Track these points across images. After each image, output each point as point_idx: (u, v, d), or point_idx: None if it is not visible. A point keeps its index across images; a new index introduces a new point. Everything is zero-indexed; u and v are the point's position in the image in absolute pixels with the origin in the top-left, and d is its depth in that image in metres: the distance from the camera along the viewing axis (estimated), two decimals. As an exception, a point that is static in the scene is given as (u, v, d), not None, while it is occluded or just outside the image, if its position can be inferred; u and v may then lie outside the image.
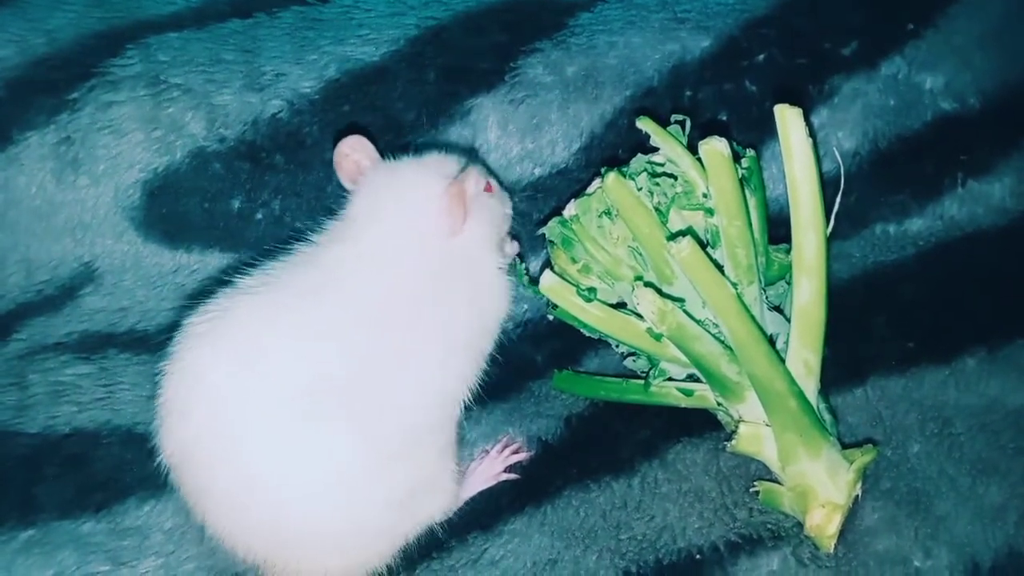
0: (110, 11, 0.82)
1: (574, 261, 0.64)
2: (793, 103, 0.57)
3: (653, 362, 0.65)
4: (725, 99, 0.82)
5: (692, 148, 0.61)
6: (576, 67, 0.80)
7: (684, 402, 0.64)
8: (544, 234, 0.65)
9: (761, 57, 0.82)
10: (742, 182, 0.60)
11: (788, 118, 0.57)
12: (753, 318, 0.57)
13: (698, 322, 0.59)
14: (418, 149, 0.63)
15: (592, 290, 0.62)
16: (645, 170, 0.61)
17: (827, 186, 0.58)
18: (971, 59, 0.84)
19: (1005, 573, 0.57)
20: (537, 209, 0.79)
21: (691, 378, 0.64)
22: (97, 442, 0.66)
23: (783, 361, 0.59)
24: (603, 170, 0.60)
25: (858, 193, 0.81)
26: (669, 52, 0.81)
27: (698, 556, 0.59)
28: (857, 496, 0.59)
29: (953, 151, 0.84)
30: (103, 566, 0.58)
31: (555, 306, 0.64)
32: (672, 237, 0.58)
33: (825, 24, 0.83)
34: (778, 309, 0.64)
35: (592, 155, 0.81)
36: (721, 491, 0.62)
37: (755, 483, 0.61)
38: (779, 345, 0.62)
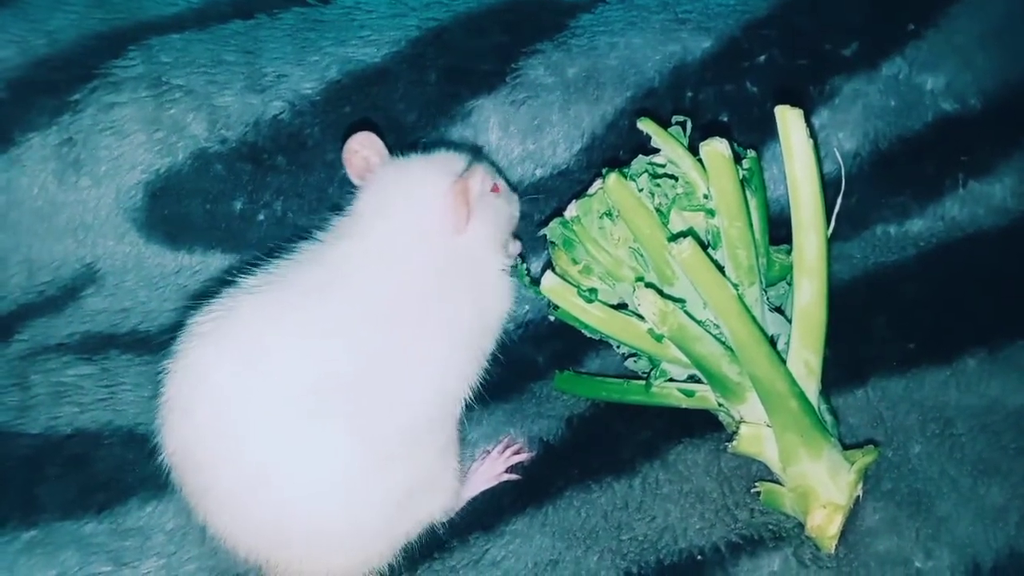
0: (111, 12, 0.83)
1: (575, 262, 0.64)
2: (794, 104, 0.57)
3: (654, 363, 0.65)
4: (726, 100, 0.82)
5: (693, 149, 0.61)
6: (577, 68, 0.80)
7: (685, 403, 0.64)
8: (545, 235, 0.65)
9: (762, 58, 0.82)
10: (743, 183, 0.60)
11: (789, 119, 0.57)
12: (754, 319, 0.57)
13: (699, 323, 0.59)
14: (427, 147, 0.63)
15: (593, 291, 0.62)
16: (646, 171, 0.61)
17: (828, 187, 0.58)
18: (972, 59, 0.84)
19: (1006, 574, 0.57)
20: (538, 210, 0.79)
21: (692, 379, 0.64)
22: (99, 443, 0.66)
23: (784, 362, 0.59)
24: (604, 171, 0.60)
25: (859, 194, 0.81)
26: (670, 53, 0.81)
27: (699, 557, 0.59)
28: (858, 497, 0.59)
29: (954, 152, 0.84)
30: (105, 567, 0.58)
31: (556, 307, 0.64)
32: (673, 238, 0.58)
33: (826, 25, 0.83)
34: (779, 310, 0.64)
35: (593, 156, 0.81)
36: (722, 492, 0.62)
37: (756, 484, 0.61)
38: (780, 346, 0.62)
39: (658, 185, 0.60)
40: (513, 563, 0.59)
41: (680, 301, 0.60)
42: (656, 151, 0.62)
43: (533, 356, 0.73)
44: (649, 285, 0.60)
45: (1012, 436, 0.65)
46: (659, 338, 0.61)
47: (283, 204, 0.80)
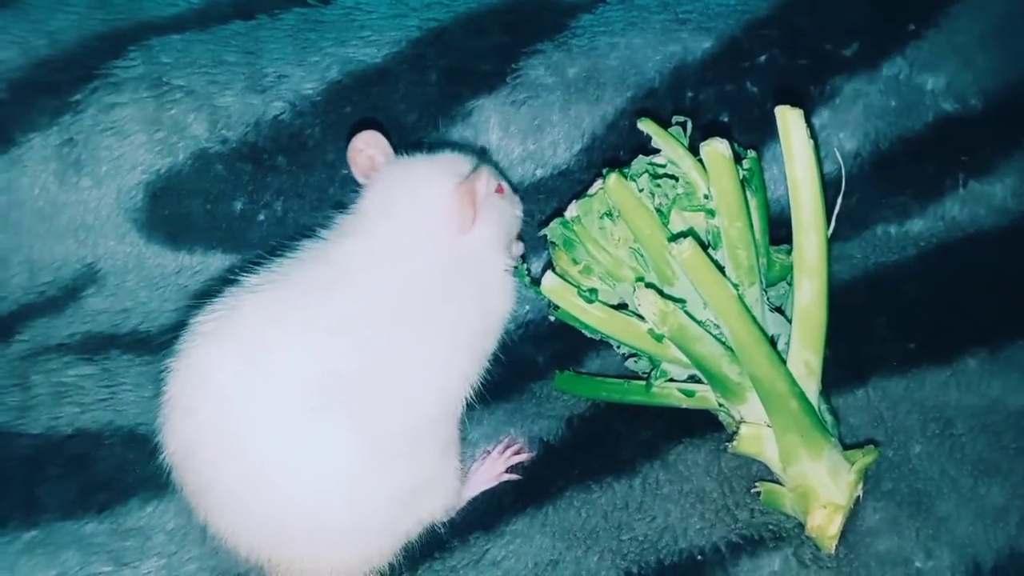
0: (112, 13, 0.83)
1: (575, 262, 0.64)
2: (794, 104, 0.57)
3: (654, 363, 0.65)
4: (726, 100, 0.82)
5: (693, 149, 0.61)
6: (577, 68, 0.81)
7: (685, 403, 0.64)
8: (546, 235, 0.65)
9: (762, 58, 0.82)
10: (743, 183, 0.60)
11: (789, 119, 0.57)
12: (754, 319, 0.57)
13: (699, 323, 0.59)
14: (432, 148, 0.63)
15: (593, 291, 0.62)
16: (646, 171, 0.61)
17: (828, 187, 0.58)
18: (972, 59, 0.84)
19: (1007, 574, 0.57)
20: (539, 210, 0.79)
21: (692, 379, 0.64)
22: (99, 443, 0.66)
23: (784, 362, 0.59)
24: (604, 171, 0.60)
25: (859, 194, 0.81)
26: (670, 53, 0.81)
27: (699, 557, 0.59)
28: (858, 497, 0.59)
29: (954, 152, 0.84)
30: (105, 567, 0.58)
31: (557, 307, 0.64)
32: (673, 238, 0.58)
33: (826, 25, 0.83)
34: (779, 310, 0.64)
35: (593, 156, 0.81)
36: (722, 492, 0.62)
37: (756, 484, 0.61)
38: (780, 346, 0.62)
39: (658, 185, 0.60)
40: (513, 563, 0.59)
41: (680, 301, 0.60)
42: (656, 151, 0.62)
43: (533, 356, 0.73)
44: (649, 285, 0.60)
45: (1012, 436, 0.65)
46: (659, 338, 0.61)
47: (283, 204, 0.81)
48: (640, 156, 0.63)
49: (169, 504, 0.61)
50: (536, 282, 0.63)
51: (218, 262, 0.80)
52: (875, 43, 0.83)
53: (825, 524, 0.57)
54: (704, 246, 0.58)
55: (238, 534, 0.54)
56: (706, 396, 0.63)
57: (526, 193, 0.80)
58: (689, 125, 0.64)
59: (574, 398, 0.70)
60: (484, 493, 0.63)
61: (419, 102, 0.80)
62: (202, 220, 0.80)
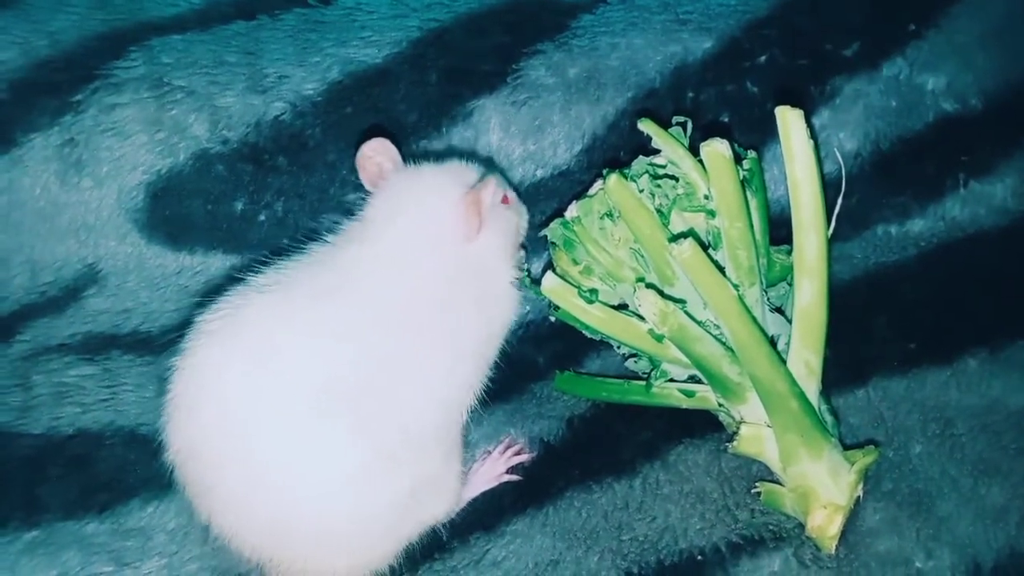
0: (113, 13, 0.83)
1: (576, 263, 0.64)
2: (794, 104, 0.57)
3: (654, 363, 0.65)
4: (727, 100, 0.82)
5: (694, 150, 0.61)
6: (578, 69, 0.81)
7: (685, 403, 0.64)
8: (546, 236, 0.65)
9: (763, 58, 0.82)
10: (743, 184, 0.60)
11: (789, 119, 0.57)
12: (754, 319, 0.57)
13: (699, 323, 0.59)
14: (439, 156, 0.63)
15: (594, 291, 0.62)
16: (647, 172, 0.61)
17: (828, 187, 0.58)
18: (973, 59, 0.84)
19: (1007, 574, 0.57)
20: (539, 211, 0.79)
21: (692, 379, 0.64)
22: (101, 443, 0.66)
23: (784, 362, 0.59)
24: (605, 172, 0.60)
25: (859, 194, 0.81)
26: (671, 53, 0.81)
27: (700, 557, 0.59)
28: (859, 497, 0.59)
29: (955, 152, 0.84)
30: (106, 567, 0.58)
31: (557, 307, 0.64)
32: (673, 239, 0.58)
33: (827, 25, 0.83)
34: (779, 310, 0.64)
35: (594, 157, 0.81)
36: (723, 492, 0.62)
37: (757, 484, 0.61)
38: (780, 346, 0.62)
39: (659, 186, 0.60)
40: (514, 563, 0.59)
41: (680, 302, 0.60)
42: (657, 152, 0.62)
43: (533, 356, 0.73)
44: (650, 286, 0.60)
45: (1013, 436, 0.65)
46: (659, 338, 0.61)
47: (284, 205, 0.81)
48: (640, 156, 0.63)
49: (170, 504, 0.62)
50: (536, 282, 0.63)
51: (219, 262, 0.80)
52: (875, 43, 0.83)
53: (825, 524, 0.57)
54: (704, 246, 0.58)
55: (241, 535, 0.54)
56: (706, 396, 0.63)
57: (526, 193, 0.80)
58: (689, 125, 0.64)
59: (574, 398, 0.70)
60: (484, 493, 0.63)
61: (420, 102, 0.80)
62: (203, 220, 0.80)
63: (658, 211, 0.60)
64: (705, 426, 0.66)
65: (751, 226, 0.60)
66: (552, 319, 0.69)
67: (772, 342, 0.59)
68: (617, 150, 0.80)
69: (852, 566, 0.57)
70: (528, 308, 0.76)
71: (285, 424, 0.51)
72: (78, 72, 0.80)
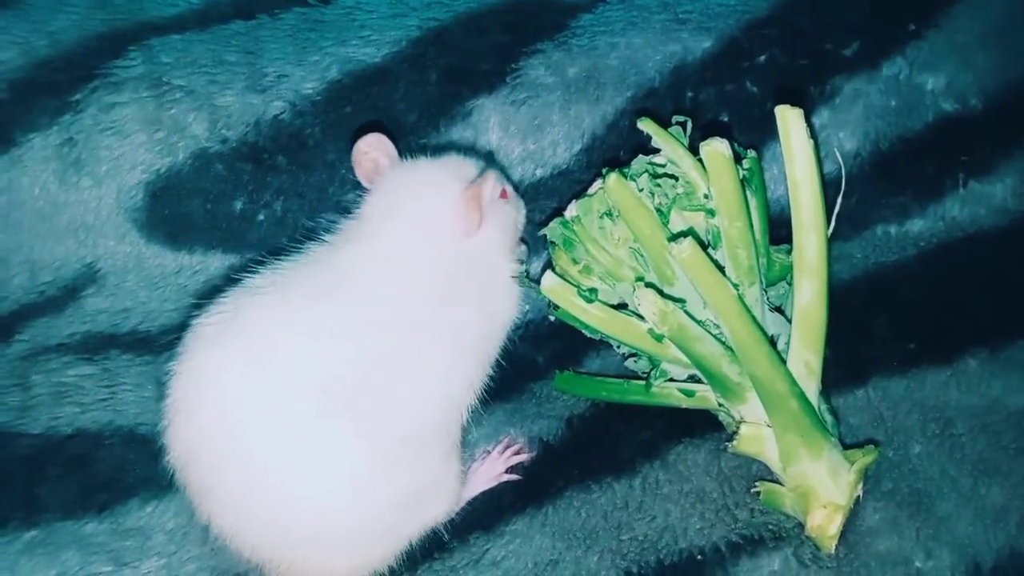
0: (113, 13, 0.83)
1: (575, 262, 0.64)
2: (794, 104, 0.57)
3: (654, 363, 0.65)
4: (726, 100, 0.82)
5: (693, 149, 0.61)
6: (578, 68, 0.81)
7: (685, 403, 0.64)
8: (545, 235, 0.65)
9: (762, 58, 0.82)
10: (743, 183, 0.60)
11: (789, 119, 0.57)
12: (754, 319, 0.57)
13: (699, 323, 0.59)
14: (436, 151, 0.63)
15: (593, 291, 0.62)
16: (646, 171, 0.61)
17: (828, 187, 0.58)
18: (973, 59, 0.84)
19: (1007, 574, 0.57)
20: (538, 210, 0.79)
21: (692, 379, 0.64)
22: (100, 443, 0.66)
23: (784, 362, 0.59)
24: (604, 171, 0.60)
25: (859, 194, 0.81)
26: (670, 53, 0.81)
27: (699, 557, 0.59)
28: (858, 497, 0.59)
29: (954, 152, 0.84)
30: (105, 567, 0.58)
31: (556, 307, 0.64)
32: (673, 238, 0.58)
33: (826, 25, 0.83)
34: (779, 310, 0.64)
35: (593, 156, 0.81)
36: (722, 492, 0.62)
37: (756, 484, 0.61)
38: (780, 346, 0.62)
39: (658, 185, 0.60)
40: (513, 563, 0.59)
41: (680, 301, 0.60)
42: (656, 151, 0.62)
43: (533, 356, 0.73)
44: (649, 285, 0.60)
45: (1013, 436, 0.65)
46: (659, 338, 0.61)
47: (283, 204, 0.81)
48: (640, 156, 0.63)
49: (169, 504, 0.62)
50: (536, 282, 0.63)
51: (218, 262, 0.80)
52: (875, 43, 0.83)
53: (825, 524, 0.57)
54: (704, 246, 0.58)
55: (241, 536, 0.54)
56: (706, 396, 0.63)
57: (526, 193, 0.80)
58: (689, 125, 0.64)
59: (574, 398, 0.70)
60: (484, 493, 0.63)
61: (419, 102, 0.80)
62: (202, 220, 0.80)
63: (658, 210, 0.60)
64: (705, 426, 0.66)
65: (751, 225, 0.60)
66: (551, 318, 0.69)
67: (772, 342, 0.59)
68: (617, 149, 0.80)
69: (852, 566, 0.57)
70: (528, 307, 0.76)
71: (284, 425, 0.51)
72: (77, 72, 0.79)
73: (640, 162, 0.62)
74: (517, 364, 0.68)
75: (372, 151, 0.61)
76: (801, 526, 0.59)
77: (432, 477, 0.57)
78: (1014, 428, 0.65)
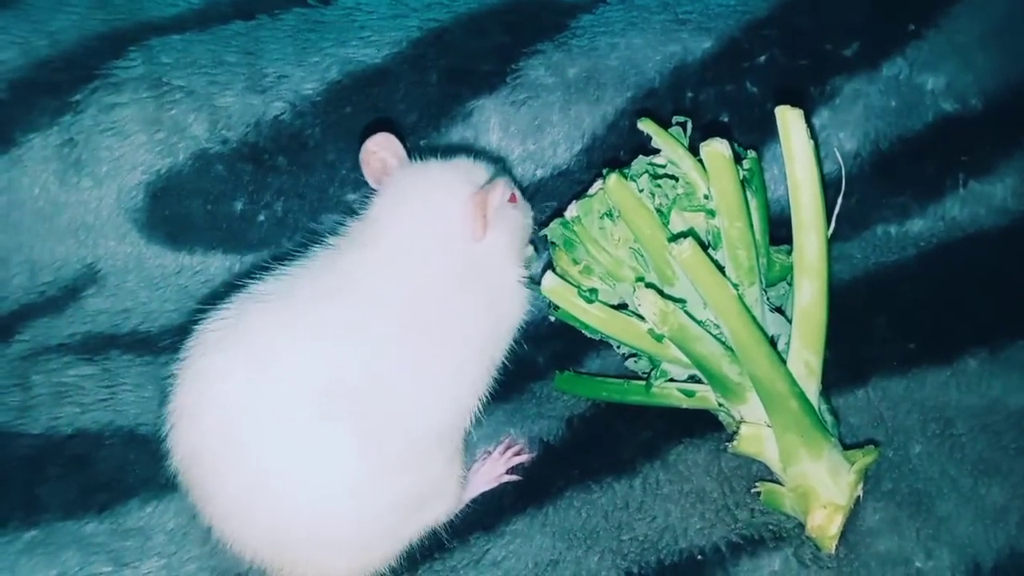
0: (113, 13, 0.83)
1: (575, 262, 0.64)
2: (794, 104, 0.57)
3: (654, 363, 0.65)
4: (726, 100, 0.82)
5: (693, 149, 0.61)
6: (578, 68, 0.81)
7: (685, 403, 0.64)
8: (546, 235, 0.65)
9: (762, 58, 0.82)
10: (743, 183, 0.60)
11: (789, 119, 0.57)
12: (754, 319, 0.57)
13: (699, 323, 0.59)
14: (446, 152, 0.63)
15: (593, 291, 0.62)
16: (646, 171, 0.61)
17: (828, 187, 0.58)
18: (973, 59, 0.84)
19: (1007, 574, 0.57)
20: (538, 210, 0.79)
21: (692, 379, 0.64)
22: (100, 443, 0.66)
23: (784, 362, 0.59)
24: (604, 171, 0.60)
25: (859, 194, 0.81)
26: (670, 53, 0.81)
27: (700, 557, 0.59)
28: (858, 497, 0.59)
29: (954, 152, 0.84)
30: (106, 567, 0.58)
31: (557, 307, 0.64)
32: (673, 238, 0.58)
33: (826, 25, 0.83)
34: (779, 310, 0.64)
35: (593, 156, 0.81)
36: (723, 492, 0.62)
37: (756, 484, 0.61)
38: (780, 346, 0.62)
39: (658, 185, 0.60)
40: (513, 563, 0.59)
41: (680, 301, 0.60)
42: (656, 151, 0.62)
43: (533, 356, 0.73)
44: (649, 285, 0.60)
45: (1013, 436, 0.65)
46: (659, 338, 0.61)
47: (284, 205, 0.81)
48: (640, 156, 0.63)
49: (169, 504, 0.62)
50: (536, 282, 0.63)
51: (218, 262, 0.80)
52: (875, 43, 0.83)
53: (825, 524, 0.57)
54: (704, 246, 0.58)
55: (244, 539, 0.54)
56: (706, 396, 0.63)
57: (526, 193, 0.79)
58: (689, 125, 0.64)
59: (574, 398, 0.70)
60: (484, 493, 0.63)
61: (419, 102, 0.80)
62: (202, 220, 0.80)
63: (658, 211, 0.60)
64: (705, 426, 0.66)
65: (751, 226, 0.60)
66: (552, 319, 0.69)
67: (772, 342, 0.59)
68: (617, 150, 0.80)
69: (852, 566, 0.57)
70: (528, 308, 0.76)
71: (287, 429, 0.51)
72: (77, 72, 0.80)
73: (640, 163, 0.62)
74: (517, 364, 0.68)
75: (380, 151, 0.60)
76: (801, 526, 0.59)
77: (435, 480, 0.57)
78: (1014, 428, 0.65)
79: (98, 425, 0.67)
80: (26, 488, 0.63)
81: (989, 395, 0.68)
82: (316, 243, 0.58)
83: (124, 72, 0.79)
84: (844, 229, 0.80)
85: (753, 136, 0.80)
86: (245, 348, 0.53)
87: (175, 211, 0.80)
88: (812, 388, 0.60)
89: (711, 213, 0.60)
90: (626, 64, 0.81)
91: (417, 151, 0.62)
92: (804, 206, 0.58)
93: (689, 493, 0.62)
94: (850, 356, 0.69)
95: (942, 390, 0.68)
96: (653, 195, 0.60)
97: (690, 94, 0.81)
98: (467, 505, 0.62)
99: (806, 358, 0.60)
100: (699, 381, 0.64)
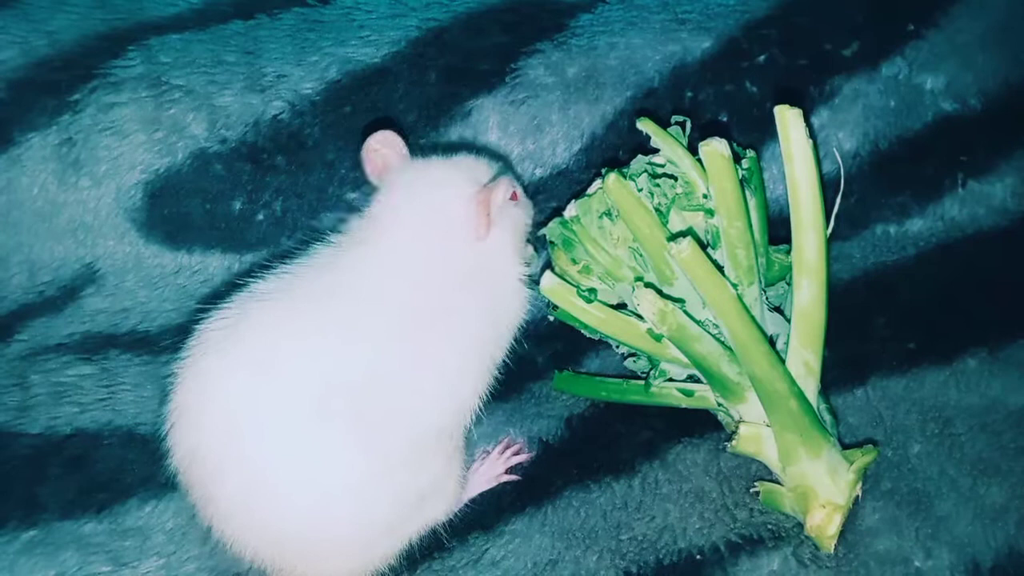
0: (112, 12, 0.83)
1: (575, 262, 0.64)
2: (793, 104, 0.57)
3: (653, 363, 0.65)
4: (726, 100, 0.82)
5: (692, 149, 0.61)
6: (577, 68, 0.81)
7: (684, 403, 0.64)
8: (545, 235, 0.65)
9: (762, 58, 0.82)
10: (742, 183, 0.60)
11: (788, 119, 0.57)
12: (753, 319, 0.57)
13: (698, 323, 0.59)
14: (447, 150, 0.63)
15: (592, 291, 0.62)
16: (645, 171, 0.61)
17: (827, 187, 0.58)
18: (972, 59, 0.84)
19: (1006, 573, 0.57)
20: (538, 210, 0.79)
21: (691, 379, 0.64)
22: (99, 443, 0.66)
23: (783, 362, 0.59)
24: (604, 171, 0.60)
25: (858, 194, 0.82)
26: (670, 53, 0.81)
27: (699, 556, 0.59)
28: (857, 496, 0.59)
29: (954, 152, 0.84)
30: (104, 567, 0.58)
31: (556, 307, 0.64)
32: (672, 238, 0.58)
33: (826, 25, 0.83)
34: (778, 310, 0.64)
35: (593, 156, 0.81)
36: (722, 492, 0.62)
37: (756, 484, 0.61)
38: (779, 346, 0.62)
39: (657, 185, 0.60)
40: (513, 563, 0.59)
41: (679, 301, 0.60)
42: (656, 151, 0.62)
43: (532, 356, 0.73)
44: (648, 285, 0.60)
45: (1012, 436, 0.65)
46: (658, 338, 0.61)
47: (282, 204, 0.81)
48: (639, 156, 0.63)
49: (168, 504, 0.61)
50: (535, 282, 0.63)
51: (217, 262, 0.80)
52: (875, 43, 0.83)
53: (824, 523, 0.57)
54: (703, 246, 0.58)
55: (244, 539, 0.54)
56: (705, 396, 0.63)
57: (525, 192, 0.79)
58: (688, 125, 0.64)
59: (573, 398, 0.70)
60: (483, 493, 0.63)
61: (418, 102, 0.80)
62: (201, 220, 0.80)
63: (657, 210, 0.60)
64: (704, 425, 0.66)
65: (750, 225, 0.60)
66: (551, 318, 0.69)
67: (771, 341, 0.59)
68: (616, 149, 0.81)
69: (851, 565, 0.57)
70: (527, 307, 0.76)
71: (288, 428, 0.51)
72: (76, 71, 0.80)
73: (639, 162, 0.62)
74: (517, 364, 0.68)
75: (383, 148, 0.60)
76: (800, 526, 0.59)
77: (435, 478, 0.57)
78: (1014, 428, 0.65)
79: (97, 425, 0.67)
80: (25, 488, 0.63)
81: (988, 395, 0.68)
82: (317, 241, 0.58)
83: (123, 71, 0.79)
84: (843, 229, 0.80)
85: (752, 136, 0.80)
86: (246, 347, 0.53)
87: (174, 210, 0.80)
88: (811, 388, 0.60)
89: (710, 212, 0.60)
90: (625, 64, 0.81)
91: (418, 150, 0.62)
92: (803, 206, 0.58)
93: (688, 493, 0.62)
94: (849, 356, 0.69)
95: (941, 390, 0.68)
96: (652, 194, 0.60)
97: (689, 94, 0.81)
98: (466, 505, 0.62)
99: (805, 358, 0.60)
100: (698, 381, 0.64)
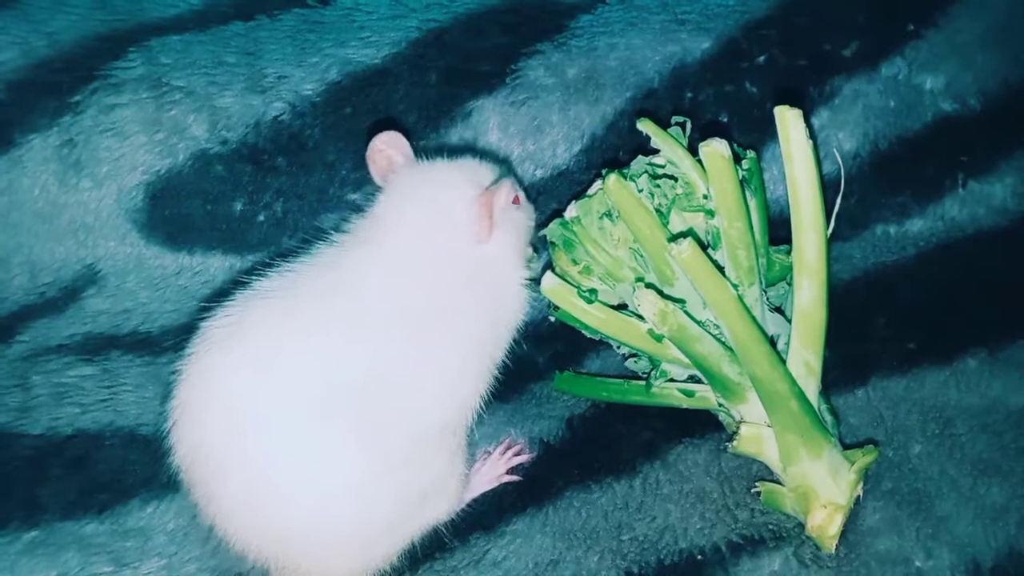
0: (112, 13, 0.83)
1: (575, 263, 0.64)
2: (793, 104, 0.57)
3: (654, 363, 0.65)
4: (726, 100, 0.82)
5: (693, 150, 0.61)
6: (577, 69, 0.81)
7: (685, 403, 0.64)
8: (545, 236, 0.65)
9: (762, 58, 0.82)
10: (743, 183, 0.60)
11: (788, 119, 0.57)
12: (754, 319, 0.57)
13: (699, 323, 0.59)
14: (451, 152, 0.63)
15: (593, 291, 0.62)
16: (646, 172, 0.61)
17: (828, 187, 0.58)
18: (972, 59, 0.84)
19: (1006, 573, 0.57)
20: (538, 211, 0.79)
21: (692, 379, 0.64)
22: (100, 443, 0.66)
23: (784, 362, 0.59)
24: (604, 172, 0.60)
25: (859, 194, 0.82)
26: (670, 54, 0.81)
27: (700, 557, 0.59)
28: (858, 497, 0.59)
29: (954, 152, 0.84)
30: (106, 567, 0.58)
31: (556, 308, 0.64)
32: (673, 238, 0.58)
33: (826, 25, 0.83)
34: (779, 310, 0.64)
35: (593, 157, 0.81)
36: (723, 492, 0.62)
37: (757, 484, 0.61)
38: (780, 346, 0.62)
39: (658, 186, 0.60)
40: (514, 563, 0.59)
41: (680, 301, 0.60)
42: (656, 152, 0.62)
43: (533, 357, 0.73)
44: (649, 285, 0.60)
45: (1012, 436, 0.65)
46: (659, 338, 0.61)
47: (283, 205, 0.81)
48: (639, 156, 0.63)
49: (169, 504, 0.62)
50: (535, 282, 0.63)
51: (218, 263, 0.80)
52: (874, 43, 0.83)
53: (825, 524, 0.57)
54: (704, 246, 0.58)
55: (246, 538, 0.54)
56: (706, 396, 0.63)
57: (525, 193, 0.80)
58: (688, 125, 0.64)
59: (574, 398, 0.70)
60: (484, 493, 0.63)
61: (419, 103, 0.80)
62: (202, 221, 0.80)
63: (657, 211, 0.60)
64: (705, 426, 0.66)
65: (750, 226, 0.60)
66: (552, 319, 0.69)
67: (772, 342, 0.59)
68: (616, 150, 0.81)
69: (852, 565, 0.57)
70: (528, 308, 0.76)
71: (291, 426, 0.51)
72: (77, 72, 0.80)
73: (640, 163, 0.62)
74: (517, 364, 0.68)
75: (387, 148, 0.60)
76: (801, 526, 0.59)
77: (437, 477, 0.57)
78: (1014, 428, 0.65)
79: (98, 425, 0.67)
80: (26, 489, 0.63)
81: (989, 395, 0.68)
82: (319, 241, 0.58)
83: (124, 73, 0.79)
84: (843, 229, 0.80)
85: (752, 136, 0.80)
86: (249, 345, 0.53)
87: (175, 212, 0.80)
88: (812, 388, 0.60)
89: (710, 213, 0.60)
90: (625, 64, 0.81)
91: (420, 151, 0.62)
92: (803, 206, 0.58)
93: (689, 493, 0.62)
94: (850, 356, 0.69)
95: (942, 390, 0.68)
96: (652, 195, 0.60)
97: (689, 94, 0.81)
98: (467, 505, 0.62)
99: (806, 358, 0.60)
100: (699, 381, 0.64)
